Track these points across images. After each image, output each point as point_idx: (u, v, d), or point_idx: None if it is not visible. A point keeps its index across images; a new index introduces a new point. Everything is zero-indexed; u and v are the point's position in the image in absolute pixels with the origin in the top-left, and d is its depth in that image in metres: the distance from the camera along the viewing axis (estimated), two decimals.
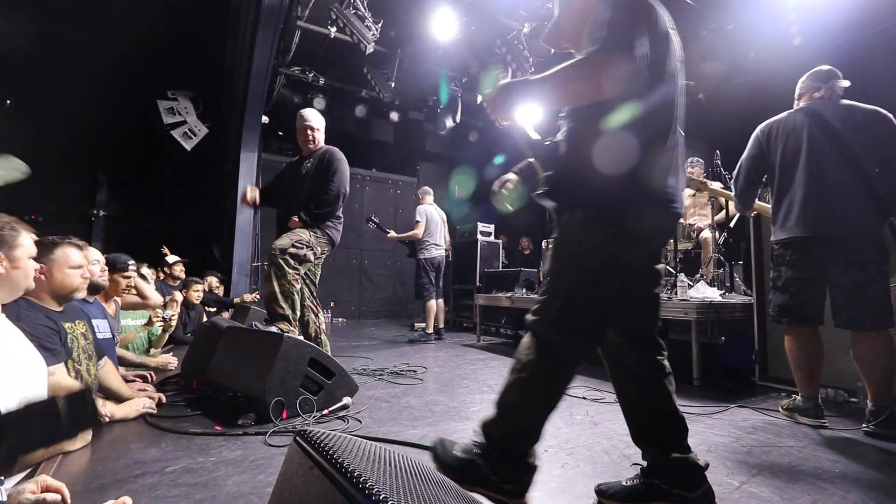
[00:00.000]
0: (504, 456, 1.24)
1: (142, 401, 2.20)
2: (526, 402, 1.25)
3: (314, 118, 3.31)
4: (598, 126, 1.23)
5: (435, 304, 5.40)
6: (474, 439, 1.30)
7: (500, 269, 7.11)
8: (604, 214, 1.23)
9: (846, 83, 2.33)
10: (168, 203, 8.16)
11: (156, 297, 3.28)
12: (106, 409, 2.01)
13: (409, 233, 5.44)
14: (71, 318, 1.96)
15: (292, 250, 2.93)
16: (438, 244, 5.48)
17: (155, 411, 2.20)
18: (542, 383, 1.24)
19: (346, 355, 4.05)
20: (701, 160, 4.80)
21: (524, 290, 5.15)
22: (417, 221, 5.42)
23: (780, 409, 2.38)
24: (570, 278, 1.27)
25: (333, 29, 5.45)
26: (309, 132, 3.28)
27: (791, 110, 2.38)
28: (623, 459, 1.71)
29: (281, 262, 2.89)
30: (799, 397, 2.28)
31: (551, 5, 5.38)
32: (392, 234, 5.49)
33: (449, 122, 7.66)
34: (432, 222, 5.48)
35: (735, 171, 2.51)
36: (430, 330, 5.39)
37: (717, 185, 3.29)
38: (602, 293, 1.24)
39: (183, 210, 8.14)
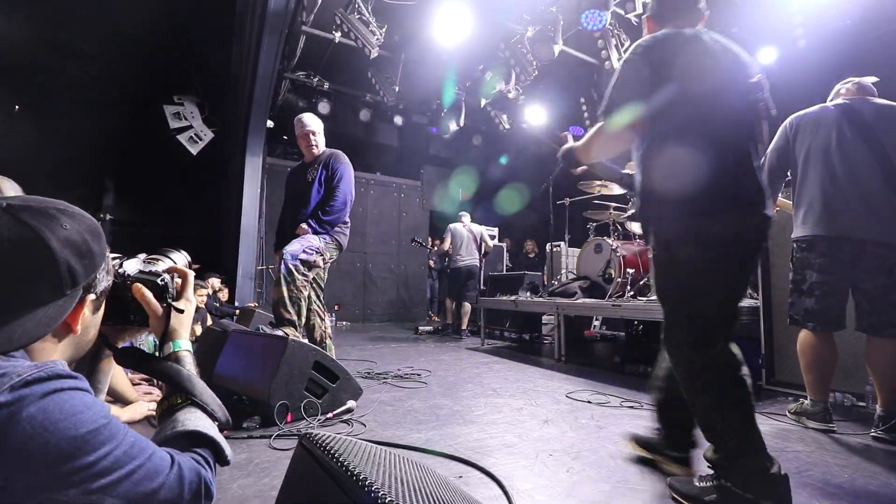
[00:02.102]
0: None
1: (147, 404, 2.21)
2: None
3: (313, 123, 3.31)
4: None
5: (448, 303, 6.53)
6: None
7: (505, 272, 7.11)
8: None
9: (874, 78, 2.31)
10: (174, 207, 8.21)
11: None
12: (112, 412, 2.02)
13: (441, 247, 6.65)
14: None
15: (303, 256, 2.94)
16: (463, 256, 6.37)
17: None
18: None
19: (350, 359, 4.06)
20: None
21: (528, 294, 5.14)
22: (443, 237, 6.56)
23: (787, 413, 2.36)
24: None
25: (338, 34, 5.48)
26: (311, 137, 3.28)
27: (823, 104, 2.31)
28: (628, 464, 1.70)
29: (291, 267, 2.90)
30: (807, 401, 2.25)
31: (554, 9, 5.40)
32: (439, 246, 6.68)
33: (452, 126, 7.68)
34: (458, 237, 6.41)
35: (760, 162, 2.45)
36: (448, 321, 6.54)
37: None
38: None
39: (188, 214, 8.19)
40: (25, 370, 0.58)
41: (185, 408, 0.79)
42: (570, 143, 1.71)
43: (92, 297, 0.73)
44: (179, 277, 0.94)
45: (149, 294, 0.87)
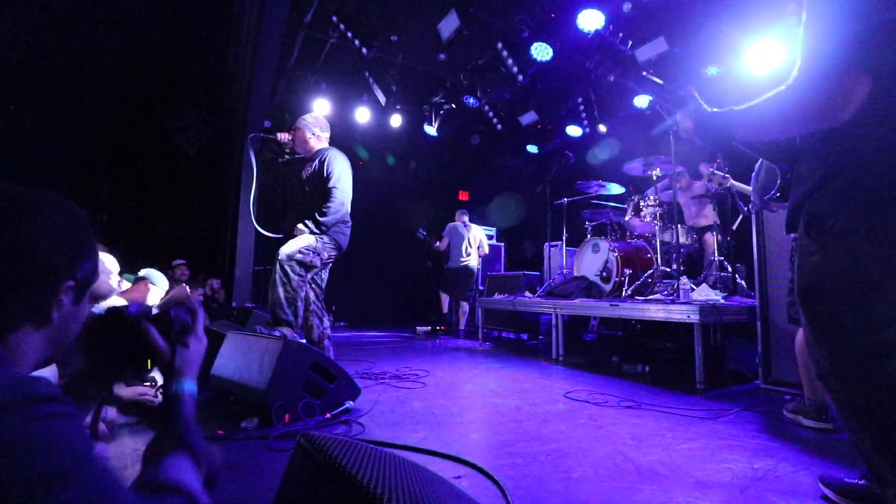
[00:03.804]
0: None
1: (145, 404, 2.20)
2: None
3: (310, 121, 3.29)
4: None
5: (443, 295, 6.53)
6: None
7: (503, 272, 7.12)
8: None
9: None
10: (171, 206, 8.19)
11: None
12: (108, 414, 2.01)
13: (439, 245, 6.59)
14: None
15: (298, 256, 2.92)
16: (461, 256, 6.41)
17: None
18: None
19: (348, 359, 4.05)
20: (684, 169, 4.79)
21: (526, 294, 5.15)
22: (442, 237, 6.52)
23: (784, 412, 2.37)
24: None
25: (335, 33, 5.47)
26: (297, 133, 3.26)
27: None
28: (626, 462, 1.70)
29: (287, 268, 2.89)
30: (805, 399, 2.26)
31: (554, 15, 5.40)
32: (437, 245, 6.59)
33: (432, 130, 7.86)
34: (456, 237, 6.43)
35: (757, 165, 2.44)
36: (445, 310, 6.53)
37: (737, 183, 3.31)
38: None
39: (186, 213, 8.17)
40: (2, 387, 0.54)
41: (173, 453, 0.75)
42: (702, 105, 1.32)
43: (70, 283, 0.70)
44: (189, 313, 0.91)
45: (155, 333, 0.85)
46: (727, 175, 3.30)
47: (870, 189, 1.07)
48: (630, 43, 5.43)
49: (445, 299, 6.52)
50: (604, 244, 4.71)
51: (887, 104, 1.05)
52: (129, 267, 3.00)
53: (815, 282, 1.14)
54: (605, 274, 4.60)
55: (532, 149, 8.61)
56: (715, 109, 1.29)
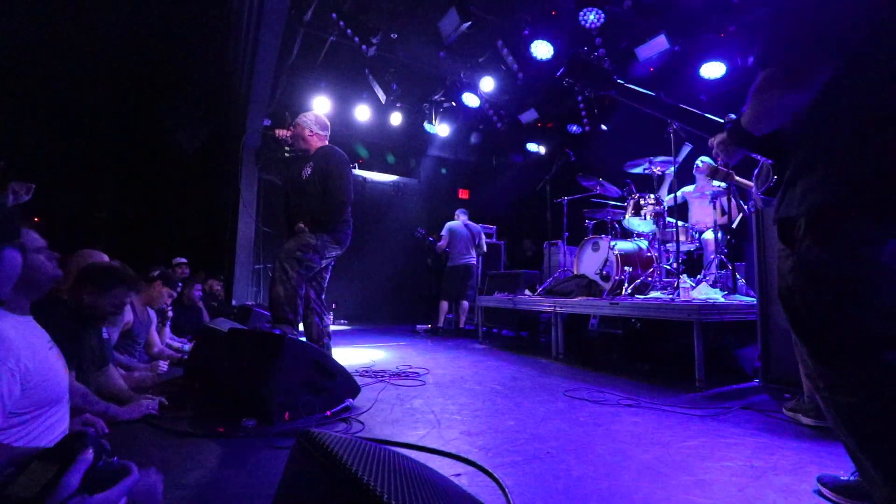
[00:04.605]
0: None
1: (145, 403, 2.21)
2: None
3: (309, 119, 3.28)
4: None
5: (443, 304, 6.33)
6: None
7: (502, 270, 7.12)
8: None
9: None
10: (170, 205, 8.19)
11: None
12: (110, 410, 2.01)
13: (440, 244, 6.45)
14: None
15: (299, 255, 2.92)
16: (461, 254, 6.35)
17: (157, 413, 2.21)
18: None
19: (347, 357, 4.05)
20: (710, 160, 4.78)
21: (526, 292, 5.15)
22: (441, 236, 6.43)
23: (783, 410, 2.37)
24: None
25: (335, 31, 5.46)
26: (306, 133, 3.25)
27: None
28: (626, 461, 1.70)
29: (287, 266, 2.89)
30: (804, 398, 2.27)
31: (554, 13, 5.40)
32: (439, 244, 6.43)
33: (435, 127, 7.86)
34: (455, 236, 6.38)
35: (761, 162, 2.44)
36: (440, 324, 6.29)
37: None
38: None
39: (185, 212, 8.16)
40: None
41: None
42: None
43: None
44: (123, 469, 0.71)
45: (79, 471, 0.65)
46: (730, 171, 3.31)
47: (821, 193, 1.04)
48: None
49: (444, 309, 6.38)
50: (604, 243, 4.71)
51: (862, 92, 1.00)
52: (130, 266, 3.00)
53: (791, 284, 1.13)
54: (604, 272, 4.60)
55: (532, 147, 8.60)
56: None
